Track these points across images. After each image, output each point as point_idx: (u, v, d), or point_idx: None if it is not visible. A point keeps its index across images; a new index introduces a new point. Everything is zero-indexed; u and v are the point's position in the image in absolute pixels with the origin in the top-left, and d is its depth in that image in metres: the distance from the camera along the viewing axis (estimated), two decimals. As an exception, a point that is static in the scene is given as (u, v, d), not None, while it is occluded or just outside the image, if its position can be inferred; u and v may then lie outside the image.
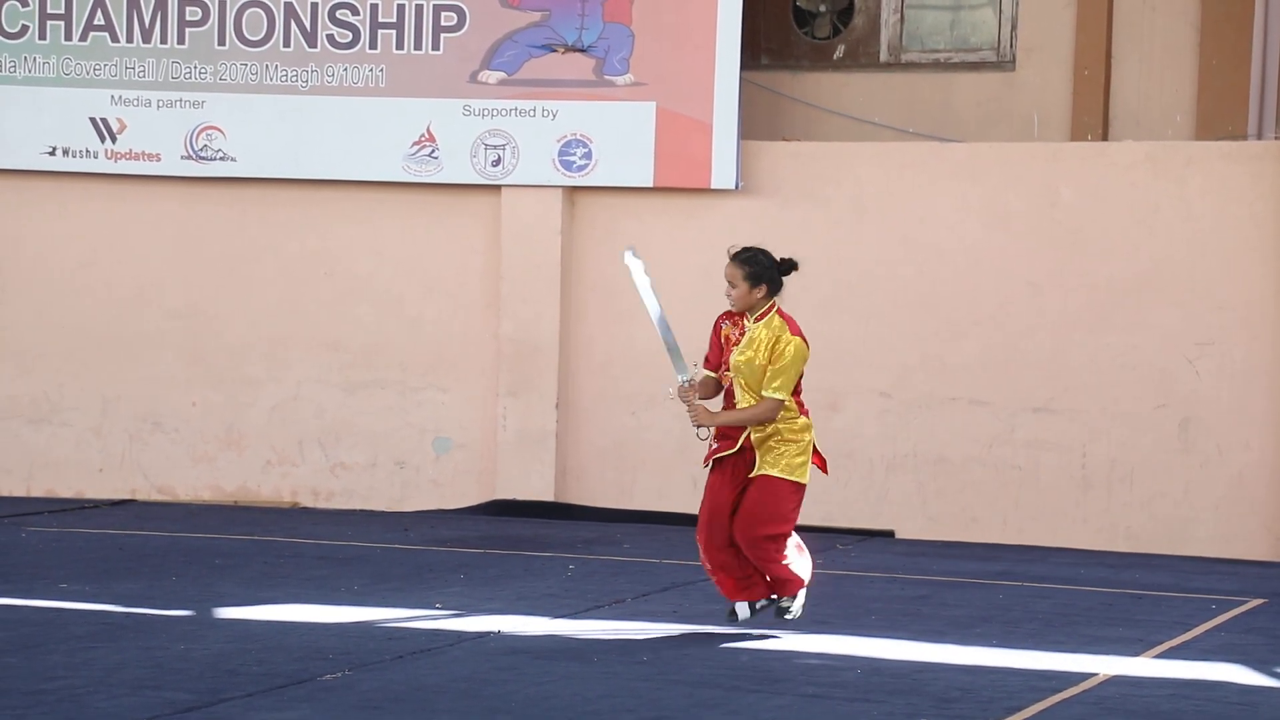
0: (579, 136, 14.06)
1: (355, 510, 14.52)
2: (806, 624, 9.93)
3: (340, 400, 14.63)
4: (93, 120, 14.47)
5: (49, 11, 14.49)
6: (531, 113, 14.08)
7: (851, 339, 13.91)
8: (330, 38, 14.27)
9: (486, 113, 14.12)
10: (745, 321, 9.19)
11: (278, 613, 9.93)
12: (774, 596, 9.32)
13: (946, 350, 13.80)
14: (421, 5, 14.18)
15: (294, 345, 14.66)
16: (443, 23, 14.16)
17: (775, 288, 9.17)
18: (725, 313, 9.32)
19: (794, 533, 9.27)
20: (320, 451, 14.65)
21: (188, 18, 14.39)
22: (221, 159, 14.44)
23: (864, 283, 13.92)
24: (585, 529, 13.68)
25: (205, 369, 14.75)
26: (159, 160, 14.49)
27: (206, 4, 14.37)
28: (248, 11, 14.34)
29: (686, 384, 9.14)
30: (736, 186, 13.91)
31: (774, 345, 9.04)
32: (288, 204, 14.60)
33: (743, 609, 9.36)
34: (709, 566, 9.32)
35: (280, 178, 14.49)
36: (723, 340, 9.25)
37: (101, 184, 14.67)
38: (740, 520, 9.10)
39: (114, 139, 14.47)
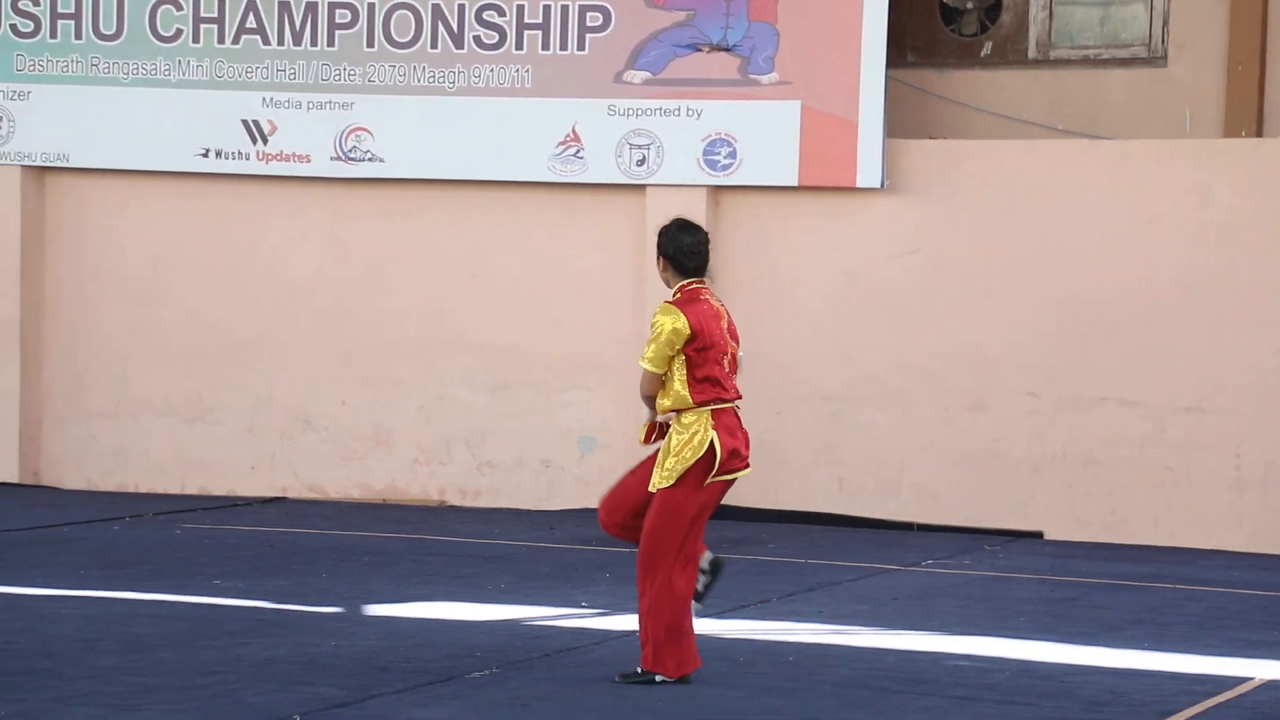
0: (724, 136, 14.05)
1: (502, 509, 14.60)
2: (955, 625, 9.92)
3: (486, 400, 14.71)
4: (245, 122, 14.66)
5: (202, 15, 14.71)
6: (676, 112, 14.10)
7: (998, 338, 13.81)
8: (477, 39, 14.36)
9: (631, 112, 14.15)
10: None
11: (426, 610, 10.02)
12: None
13: (1095, 350, 13.65)
14: (567, 6, 14.25)
15: (440, 345, 14.77)
16: (588, 23, 14.21)
17: (674, 265, 8.30)
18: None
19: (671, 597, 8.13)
20: (467, 451, 14.75)
21: (337, 20, 14.55)
22: (370, 160, 14.57)
23: (1011, 281, 13.80)
24: (730, 528, 13.62)
25: (354, 369, 14.89)
26: (309, 161, 14.65)
27: (355, 6, 14.52)
28: (396, 13, 14.46)
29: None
30: (882, 185, 13.83)
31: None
32: (434, 204, 14.71)
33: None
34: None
35: (427, 178, 14.60)
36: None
37: (253, 185, 14.86)
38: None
39: (265, 141, 14.66)
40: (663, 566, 8.08)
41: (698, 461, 8.09)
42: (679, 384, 8.17)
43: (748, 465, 8.33)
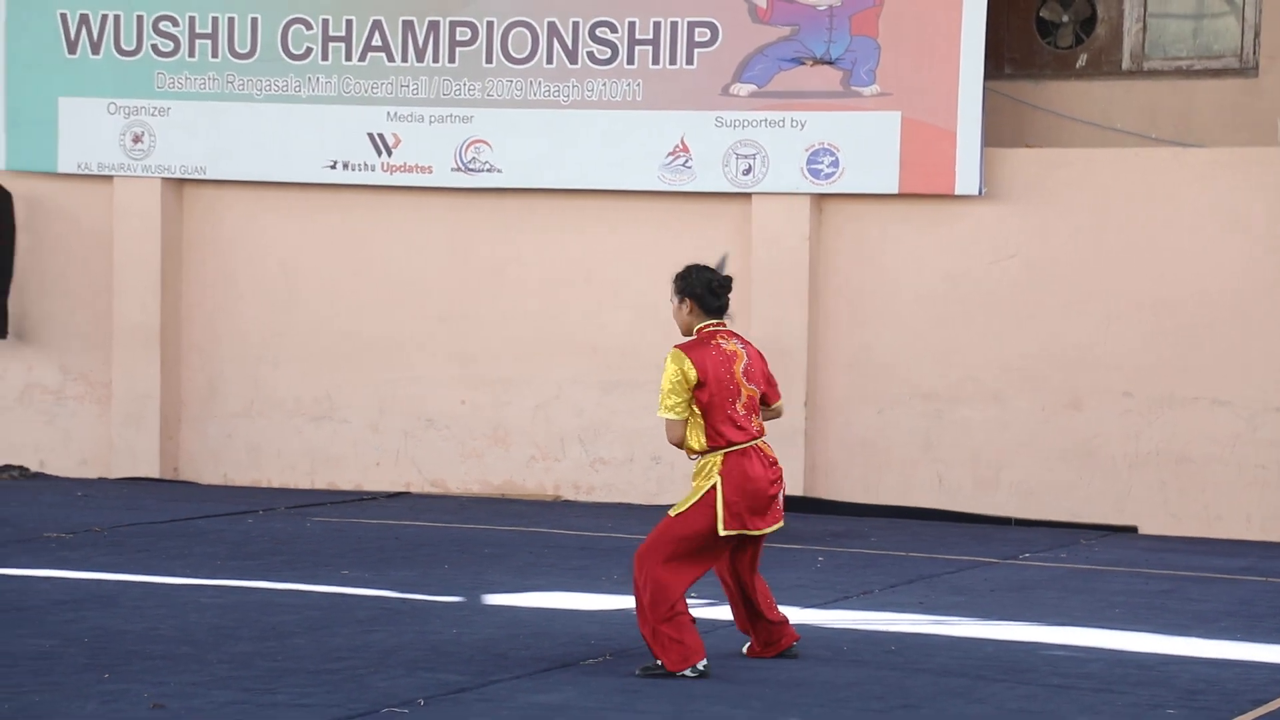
0: (826, 145, 14.26)
1: (614, 504, 14.78)
2: (1051, 616, 9.97)
3: (598, 399, 14.93)
4: (370, 135, 15.00)
5: (330, 34, 15.04)
6: (781, 123, 14.33)
7: (1094, 340, 13.93)
8: (590, 54, 14.62)
9: (738, 124, 14.38)
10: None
11: (543, 600, 10.23)
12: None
13: (1188, 350, 13.74)
14: (676, 22, 14.48)
15: (555, 347, 14.99)
16: (696, 38, 14.45)
17: (700, 304, 8.36)
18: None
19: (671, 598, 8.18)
20: (580, 448, 15.01)
21: (458, 38, 14.84)
22: (489, 171, 14.86)
23: (1105, 284, 13.90)
24: (834, 523, 13.76)
25: (473, 370, 15.14)
26: (431, 173, 14.96)
27: (475, 25, 14.81)
28: (514, 31, 14.76)
29: None
30: (980, 192, 14.01)
31: None
32: (550, 213, 14.94)
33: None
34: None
35: (543, 188, 14.85)
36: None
37: (378, 195, 15.15)
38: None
39: (390, 153, 14.98)
40: (648, 568, 8.20)
41: (701, 499, 8.22)
42: (694, 430, 8.24)
43: (769, 523, 8.28)
